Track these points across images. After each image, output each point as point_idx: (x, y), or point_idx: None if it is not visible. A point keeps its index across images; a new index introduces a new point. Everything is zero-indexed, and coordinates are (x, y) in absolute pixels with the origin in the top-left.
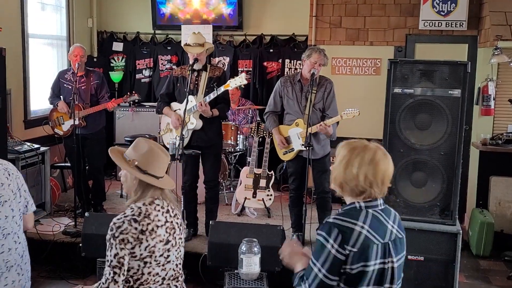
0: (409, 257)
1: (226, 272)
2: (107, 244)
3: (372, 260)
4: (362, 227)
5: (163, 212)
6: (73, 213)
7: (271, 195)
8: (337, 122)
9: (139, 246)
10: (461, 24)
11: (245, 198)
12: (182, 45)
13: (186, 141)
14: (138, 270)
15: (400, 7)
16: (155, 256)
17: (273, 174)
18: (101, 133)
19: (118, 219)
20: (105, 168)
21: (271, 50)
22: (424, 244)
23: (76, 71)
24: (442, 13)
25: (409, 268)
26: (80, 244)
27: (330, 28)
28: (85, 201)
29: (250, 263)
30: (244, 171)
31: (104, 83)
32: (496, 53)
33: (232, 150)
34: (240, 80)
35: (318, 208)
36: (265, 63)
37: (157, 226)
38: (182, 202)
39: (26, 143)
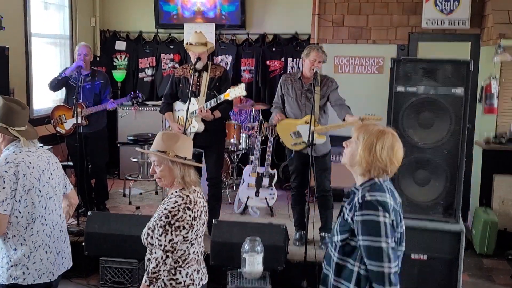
0: (412, 256)
1: (229, 271)
2: (160, 229)
3: (400, 225)
4: (390, 198)
5: (201, 199)
6: (76, 212)
7: (274, 194)
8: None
9: (192, 231)
10: (464, 22)
11: (248, 197)
12: (184, 44)
13: None
14: (185, 251)
15: (403, 5)
16: (198, 237)
17: (276, 172)
18: (103, 131)
19: (173, 208)
20: (108, 167)
21: (274, 49)
22: (427, 242)
23: (80, 71)
24: (444, 11)
25: (413, 267)
26: (83, 243)
27: (332, 27)
28: (87, 200)
29: (253, 262)
30: (247, 170)
31: (108, 84)
32: (499, 51)
33: (235, 149)
34: (240, 91)
35: (320, 207)
36: (267, 62)
37: (201, 212)
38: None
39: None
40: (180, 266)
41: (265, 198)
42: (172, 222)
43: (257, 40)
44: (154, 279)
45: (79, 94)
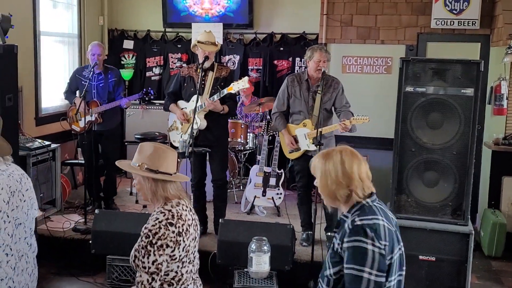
0: (421, 257)
1: (235, 270)
2: (142, 251)
3: (396, 248)
4: (383, 220)
5: (188, 211)
6: (83, 210)
7: (280, 193)
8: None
9: (178, 248)
10: (474, 22)
11: (255, 197)
12: (194, 42)
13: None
14: (177, 271)
15: (412, 5)
16: (189, 254)
17: (283, 172)
18: (117, 129)
19: (153, 225)
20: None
21: (282, 49)
22: (435, 244)
23: (93, 69)
24: (454, 11)
25: (421, 268)
26: (90, 241)
27: (341, 27)
28: (95, 198)
29: (260, 262)
30: (254, 169)
31: (121, 81)
32: (509, 52)
33: (242, 148)
34: (243, 83)
35: (325, 207)
36: (275, 62)
37: (189, 225)
38: (191, 200)
39: (37, 140)
40: None
41: (272, 198)
42: (153, 241)
43: (265, 40)
44: None
45: (93, 93)
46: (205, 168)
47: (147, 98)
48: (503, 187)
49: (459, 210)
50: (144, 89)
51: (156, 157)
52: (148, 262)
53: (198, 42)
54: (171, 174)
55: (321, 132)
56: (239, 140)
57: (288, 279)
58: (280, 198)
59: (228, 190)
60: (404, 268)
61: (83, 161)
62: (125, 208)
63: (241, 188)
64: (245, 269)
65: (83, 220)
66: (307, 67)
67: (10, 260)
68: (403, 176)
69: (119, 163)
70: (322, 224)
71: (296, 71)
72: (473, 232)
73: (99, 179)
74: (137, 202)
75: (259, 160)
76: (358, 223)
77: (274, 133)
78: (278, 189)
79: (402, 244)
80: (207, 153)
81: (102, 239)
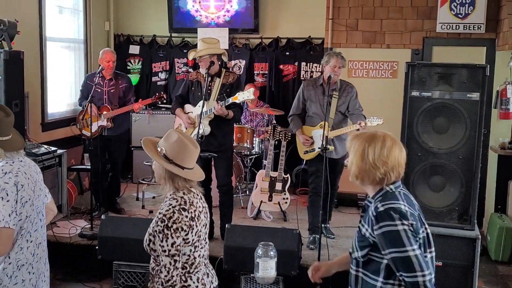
0: None
1: (242, 275)
2: (160, 235)
3: (420, 229)
4: (405, 205)
5: (198, 199)
6: (90, 216)
7: (287, 198)
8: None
9: (191, 232)
10: (479, 27)
11: (261, 202)
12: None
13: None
14: (190, 255)
15: (417, 9)
16: (200, 239)
17: (289, 177)
18: (126, 134)
19: (167, 210)
20: (122, 170)
21: (287, 53)
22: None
23: (101, 74)
24: (459, 15)
25: None
26: (97, 247)
27: (346, 31)
28: (101, 203)
29: (266, 267)
30: (260, 174)
31: (131, 87)
32: None
33: (248, 153)
34: (248, 95)
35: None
36: (281, 66)
37: (200, 212)
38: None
39: (43, 145)
40: (189, 272)
41: (278, 203)
42: (169, 225)
43: (271, 44)
44: (169, 287)
45: (105, 98)
46: (210, 173)
47: (160, 102)
48: (510, 191)
49: (465, 215)
50: (157, 93)
51: (176, 147)
52: (168, 245)
53: (196, 57)
54: (183, 168)
55: (327, 137)
56: (245, 145)
57: (295, 284)
58: (286, 203)
59: (234, 195)
60: (433, 249)
61: (89, 167)
62: (132, 214)
63: (247, 193)
64: (251, 275)
65: (90, 225)
66: (322, 72)
67: (30, 247)
68: (409, 180)
69: (144, 141)
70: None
71: (302, 76)
72: (480, 236)
73: (105, 184)
74: (143, 207)
75: (265, 165)
76: (381, 209)
77: (280, 138)
78: (285, 194)
79: (426, 225)
80: (212, 159)
81: (108, 245)
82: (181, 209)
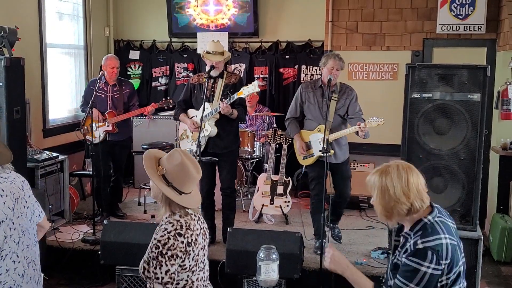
0: None
1: (244, 279)
2: (154, 262)
3: (460, 260)
4: (446, 238)
5: (197, 221)
6: (92, 221)
7: (288, 201)
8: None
9: (188, 258)
10: (480, 27)
11: (263, 205)
12: (201, 52)
13: (202, 147)
14: (187, 280)
15: (417, 11)
16: (199, 263)
17: (291, 180)
18: (130, 139)
19: (162, 236)
20: (124, 174)
21: (287, 56)
22: None
23: (104, 80)
24: (460, 16)
25: None
26: (99, 252)
27: (346, 34)
28: (104, 209)
29: (269, 270)
30: (261, 177)
31: (135, 92)
32: None
33: (249, 157)
34: (253, 87)
35: (333, 206)
36: (281, 69)
37: (197, 235)
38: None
39: (45, 151)
40: None
41: (280, 206)
42: (164, 252)
43: (270, 48)
44: None
45: (109, 104)
46: (214, 177)
47: (170, 106)
48: None
49: (467, 216)
50: (163, 98)
51: (177, 170)
52: (161, 273)
53: (206, 52)
54: (180, 194)
55: (327, 139)
56: (246, 148)
57: (297, 287)
58: (288, 206)
59: (236, 199)
60: (463, 281)
61: (91, 172)
62: (134, 218)
63: (249, 196)
64: (254, 278)
65: (92, 231)
66: (320, 74)
67: (18, 267)
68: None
69: (147, 153)
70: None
71: (302, 79)
72: (482, 237)
73: (107, 189)
74: (145, 212)
75: (266, 168)
76: (420, 246)
77: (281, 141)
78: (286, 197)
79: (463, 254)
80: (217, 162)
81: (111, 250)
82: (176, 235)
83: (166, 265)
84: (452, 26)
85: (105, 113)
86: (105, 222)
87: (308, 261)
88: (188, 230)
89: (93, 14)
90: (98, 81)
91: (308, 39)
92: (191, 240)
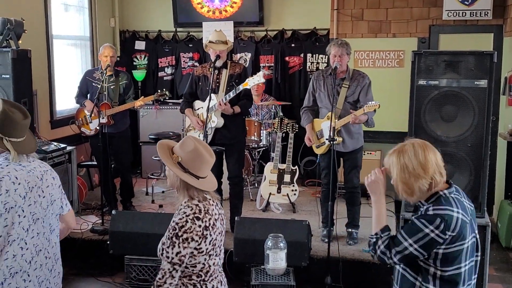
0: None
1: (252, 267)
2: (168, 241)
3: (467, 237)
4: (458, 212)
5: (215, 206)
6: (100, 211)
7: (295, 190)
8: (374, 111)
9: (205, 241)
10: (486, 13)
11: (270, 194)
12: (204, 42)
13: (209, 138)
14: (204, 264)
15: None
16: (216, 248)
17: (298, 169)
18: (127, 131)
19: (180, 219)
20: (131, 171)
21: (293, 45)
22: None
23: (105, 71)
24: (466, 2)
25: None
26: (108, 242)
27: (352, 21)
28: (111, 199)
29: (277, 259)
30: (268, 166)
31: (131, 84)
32: None
33: (256, 146)
34: (258, 78)
35: (347, 203)
36: (287, 58)
37: (215, 220)
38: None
39: (53, 143)
40: (204, 280)
41: (287, 195)
42: (179, 234)
43: (276, 37)
44: None
45: (105, 95)
46: (222, 167)
47: (161, 99)
48: None
49: (475, 202)
50: (159, 90)
51: (192, 157)
52: (172, 253)
53: (209, 42)
54: (198, 178)
55: (334, 127)
56: (252, 137)
57: (305, 275)
58: (295, 194)
59: (243, 188)
60: (478, 253)
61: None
62: (141, 208)
63: (256, 185)
64: (262, 266)
65: (100, 221)
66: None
67: (25, 254)
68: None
69: (160, 144)
70: (342, 219)
71: (308, 67)
72: (490, 224)
73: (113, 180)
74: (153, 202)
75: (273, 157)
76: (431, 212)
77: (287, 130)
78: (293, 186)
79: (476, 232)
80: (224, 151)
81: (119, 240)
82: (194, 218)
83: (179, 246)
84: (459, 12)
85: (100, 104)
86: (113, 212)
87: (315, 249)
88: (207, 215)
89: (98, 5)
90: (98, 71)
91: (314, 27)
92: (209, 224)
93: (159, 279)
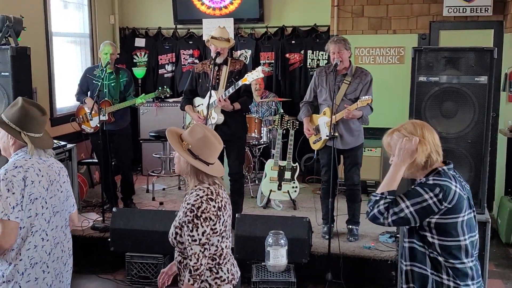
0: None
1: (253, 264)
2: (190, 225)
3: (463, 212)
4: (456, 186)
5: (222, 190)
6: (101, 209)
7: (296, 187)
8: (371, 108)
9: (219, 222)
10: (486, 9)
11: (271, 191)
12: (207, 37)
13: None
14: (218, 246)
15: None
16: (226, 230)
17: (298, 166)
18: (128, 128)
19: (195, 201)
20: (131, 168)
21: (293, 42)
22: None
23: (105, 68)
24: None
25: None
26: (109, 239)
27: (352, 18)
28: (112, 197)
29: (277, 255)
30: (269, 163)
31: (132, 81)
32: None
33: (256, 142)
34: (257, 73)
35: (348, 200)
36: (287, 55)
37: (226, 203)
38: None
39: (53, 140)
40: (219, 263)
41: (288, 191)
42: (198, 214)
43: (276, 33)
44: (197, 276)
45: (105, 92)
46: (222, 163)
47: (162, 96)
48: None
49: (475, 199)
50: (160, 87)
51: (202, 143)
52: (198, 234)
53: (212, 37)
54: (208, 165)
55: (331, 121)
56: (253, 134)
57: (306, 272)
58: (295, 191)
59: (244, 184)
60: (476, 232)
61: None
62: (142, 206)
63: (257, 182)
64: (262, 263)
65: (101, 218)
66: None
67: (45, 245)
68: None
69: (169, 131)
70: (342, 216)
71: (308, 64)
72: (490, 220)
73: (114, 178)
74: (153, 199)
75: (273, 154)
76: (431, 182)
77: (288, 127)
78: (294, 183)
79: (474, 209)
80: (224, 148)
81: (120, 237)
82: (208, 199)
83: (202, 226)
84: (459, 8)
85: (100, 102)
86: (114, 209)
87: (316, 246)
88: (218, 196)
89: (98, 2)
90: (98, 69)
91: (314, 24)
92: (221, 205)
93: (194, 263)
